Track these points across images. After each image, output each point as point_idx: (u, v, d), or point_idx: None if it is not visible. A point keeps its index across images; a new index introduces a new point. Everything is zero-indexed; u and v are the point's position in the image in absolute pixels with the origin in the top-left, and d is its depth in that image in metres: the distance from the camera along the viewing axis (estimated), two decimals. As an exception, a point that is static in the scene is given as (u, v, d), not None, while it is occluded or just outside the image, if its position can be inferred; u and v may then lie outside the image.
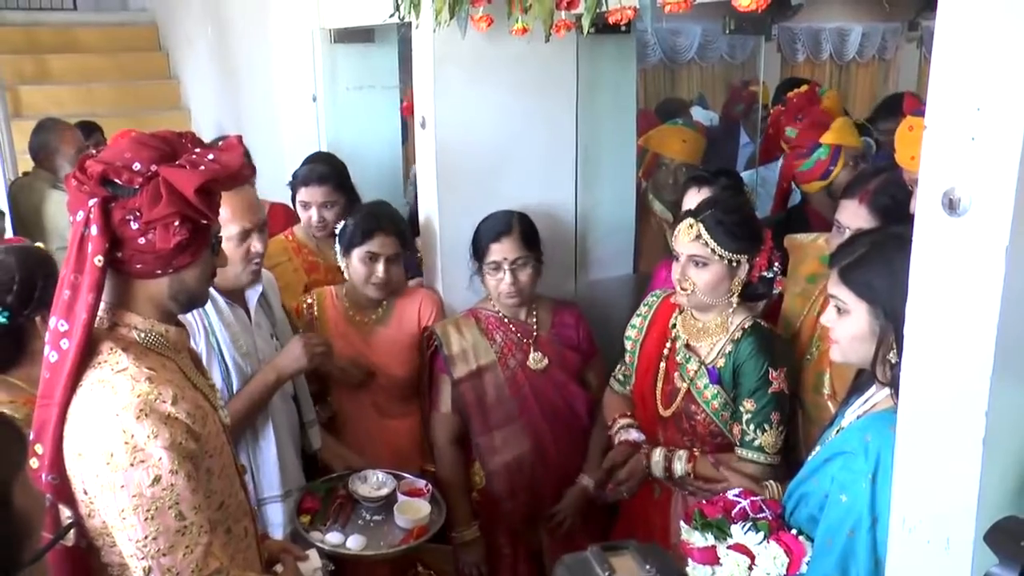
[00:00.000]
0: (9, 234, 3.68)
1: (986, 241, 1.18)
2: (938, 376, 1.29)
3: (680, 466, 2.38)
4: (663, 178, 3.69)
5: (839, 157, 3.05)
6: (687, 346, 2.41)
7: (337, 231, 2.82)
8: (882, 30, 8.32)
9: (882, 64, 8.53)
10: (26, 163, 4.87)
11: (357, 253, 2.72)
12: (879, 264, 1.70)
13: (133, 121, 5.70)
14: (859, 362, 1.78)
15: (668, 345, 2.46)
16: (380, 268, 2.72)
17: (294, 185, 3.26)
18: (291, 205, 3.38)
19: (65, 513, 1.09)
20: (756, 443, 2.29)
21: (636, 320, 2.61)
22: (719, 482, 2.30)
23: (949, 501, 1.29)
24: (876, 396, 1.76)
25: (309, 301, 2.84)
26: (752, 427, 2.29)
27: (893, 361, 1.65)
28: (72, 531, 1.09)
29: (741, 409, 2.31)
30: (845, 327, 1.75)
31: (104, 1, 8.50)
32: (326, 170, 3.26)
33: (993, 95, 1.15)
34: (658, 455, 2.42)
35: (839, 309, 1.77)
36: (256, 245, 2.33)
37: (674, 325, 2.47)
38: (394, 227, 2.74)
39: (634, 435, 2.53)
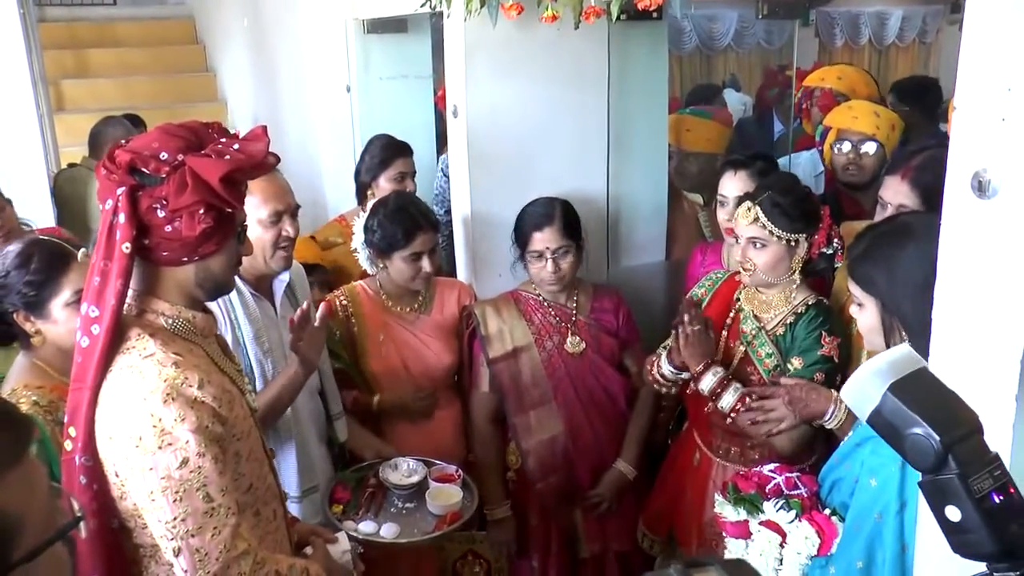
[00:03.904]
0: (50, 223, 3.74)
1: (1016, 223, 1.16)
2: (967, 361, 1.27)
3: (728, 400, 2.32)
4: (684, 166, 3.63)
5: None
6: (754, 315, 2.43)
7: (355, 226, 2.81)
8: (923, 13, 8.16)
9: (922, 48, 8.37)
10: (69, 156, 4.96)
11: (400, 255, 2.69)
12: (879, 259, 1.74)
13: (171, 114, 5.77)
14: None
15: (732, 315, 2.49)
16: (426, 263, 2.71)
17: (383, 162, 3.39)
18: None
19: (75, 505, 1.04)
20: None
21: (698, 291, 2.62)
22: (749, 436, 2.35)
23: (979, 488, 1.27)
24: None
25: (343, 301, 2.79)
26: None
27: None
28: (82, 524, 1.04)
29: (789, 367, 2.33)
30: (863, 320, 1.82)
31: (142, -5, 8.62)
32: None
33: (1024, 74, 1.13)
34: (711, 377, 2.35)
35: (857, 303, 1.83)
36: (288, 229, 2.35)
37: (738, 299, 2.51)
38: (429, 221, 2.74)
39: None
